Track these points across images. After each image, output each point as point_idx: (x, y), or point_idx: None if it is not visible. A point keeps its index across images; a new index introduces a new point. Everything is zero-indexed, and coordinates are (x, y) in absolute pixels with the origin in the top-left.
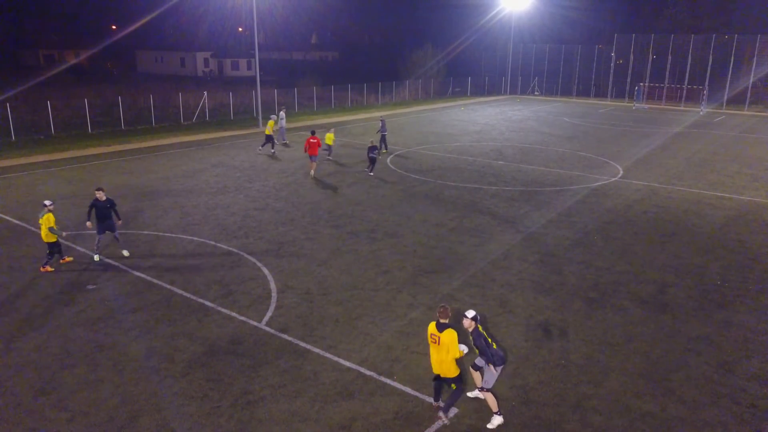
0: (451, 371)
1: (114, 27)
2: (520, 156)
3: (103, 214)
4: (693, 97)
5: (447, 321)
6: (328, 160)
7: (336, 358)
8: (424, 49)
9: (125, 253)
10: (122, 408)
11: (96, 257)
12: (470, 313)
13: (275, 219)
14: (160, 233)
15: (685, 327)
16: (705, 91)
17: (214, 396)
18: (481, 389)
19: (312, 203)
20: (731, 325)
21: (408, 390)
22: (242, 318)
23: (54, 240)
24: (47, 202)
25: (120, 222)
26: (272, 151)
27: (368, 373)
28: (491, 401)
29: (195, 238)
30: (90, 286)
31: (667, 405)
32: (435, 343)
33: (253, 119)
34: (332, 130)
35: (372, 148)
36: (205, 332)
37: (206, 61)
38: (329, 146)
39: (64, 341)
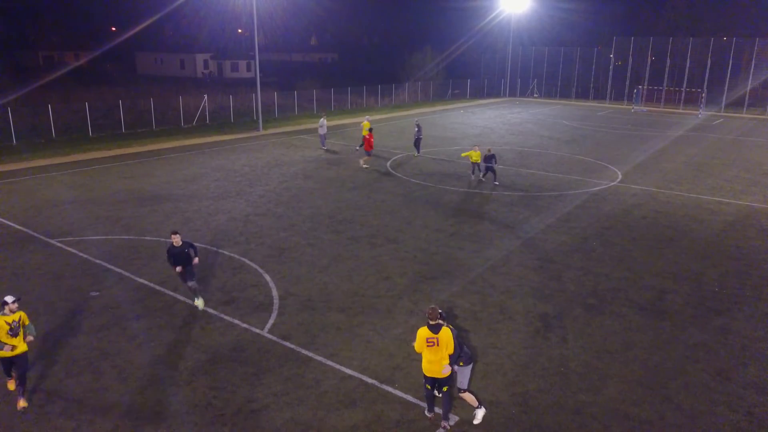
0: (440, 370)
1: (113, 29)
2: (519, 160)
3: (182, 259)
4: (691, 100)
5: (437, 321)
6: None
7: (338, 366)
8: (424, 51)
9: (198, 304)
10: (127, 416)
11: (198, 303)
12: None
13: (276, 224)
14: (162, 239)
15: (683, 334)
16: (703, 94)
17: (217, 404)
18: (460, 390)
19: (313, 208)
20: (729, 332)
21: (409, 398)
22: (245, 325)
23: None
24: (9, 299)
25: (196, 260)
26: (357, 148)
27: (370, 380)
28: (470, 399)
29: (197, 244)
30: (93, 293)
31: (665, 413)
32: (434, 345)
33: (254, 122)
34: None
35: (489, 158)
36: (208, 340)
37: (206, 62)
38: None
39: (68, 349)
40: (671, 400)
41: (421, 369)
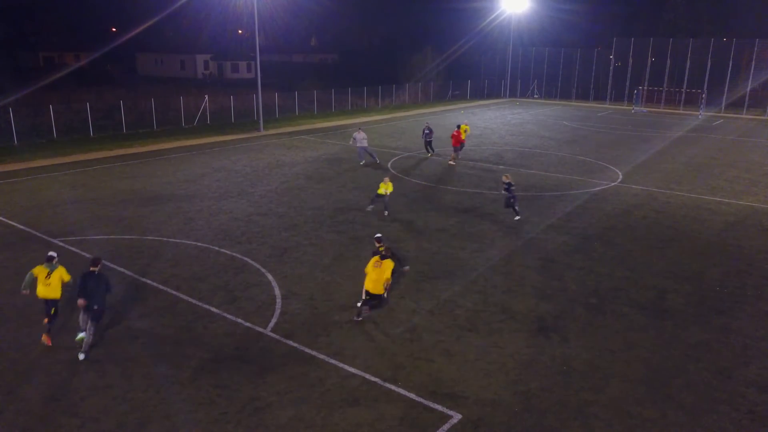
0: (382, 289)
1: (114, 30)
2: (520, 160)
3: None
4: (692, 101)
5: (383, 254)
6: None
7: (341, 364)
8: (424, 52)
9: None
10: (131, 414)
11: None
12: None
13: (278, 224)
14: (164, 239)
15: (684, 333)
16: (704, 95)
17: (221, 402)
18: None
19: (314, 208)
20: (730, 331)
21: (412, 396)
22: (247, 324)
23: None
24: (54, 254)
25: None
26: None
27: (373, 379)
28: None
29: (199, 244)
30: None
31: (666, 411)
32: (378, 267)
33: (255, 123)
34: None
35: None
36: (211, 338)
37: (206, 63)
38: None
39: (72, 347)
40: (673, 399)
41: (364, 286)
